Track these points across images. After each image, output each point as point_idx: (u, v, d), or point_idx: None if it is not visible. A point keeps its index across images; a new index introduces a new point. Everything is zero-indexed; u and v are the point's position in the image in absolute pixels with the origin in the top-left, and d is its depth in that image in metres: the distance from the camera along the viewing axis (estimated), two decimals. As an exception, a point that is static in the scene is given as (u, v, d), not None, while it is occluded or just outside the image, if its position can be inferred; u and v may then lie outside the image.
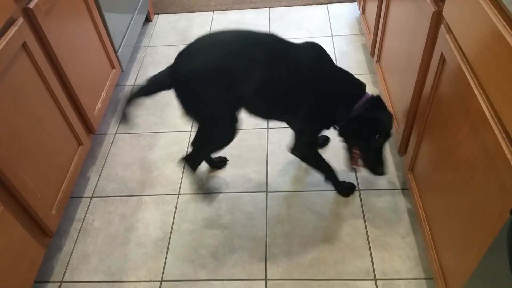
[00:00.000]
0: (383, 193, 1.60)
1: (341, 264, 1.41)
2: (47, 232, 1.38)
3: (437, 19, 1.14)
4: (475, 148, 0.92)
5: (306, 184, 1.66)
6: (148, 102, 2.07)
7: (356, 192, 1.61)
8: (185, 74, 1.23)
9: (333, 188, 1.61)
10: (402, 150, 1.51)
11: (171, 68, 1.28)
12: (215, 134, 1.40)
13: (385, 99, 1.70)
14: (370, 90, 2.02)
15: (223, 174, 1.72)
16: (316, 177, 1.67)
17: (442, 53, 1.08)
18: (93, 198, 1.69)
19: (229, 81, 1.22)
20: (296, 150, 1.48)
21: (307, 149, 1.49)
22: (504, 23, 0.80)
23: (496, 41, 0.81)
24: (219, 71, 1.21)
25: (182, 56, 1.26)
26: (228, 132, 1.38)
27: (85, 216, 1.63)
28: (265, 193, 1.64)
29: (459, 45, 0.99)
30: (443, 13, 1.08)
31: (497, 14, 0.82)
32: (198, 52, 1.24)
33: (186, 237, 1.53)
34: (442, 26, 1.09)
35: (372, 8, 1.94)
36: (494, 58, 0.82)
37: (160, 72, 1.29)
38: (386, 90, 1.71)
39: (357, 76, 1.42)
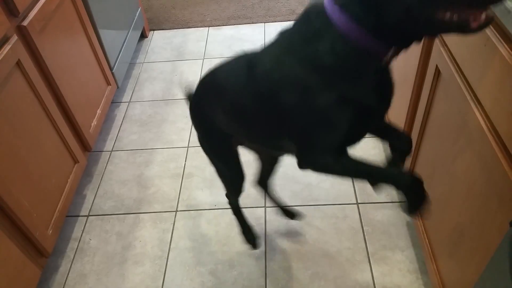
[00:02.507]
0: (382, 206, 1.59)
1: (341, 279, 1.39)
2: (43, 252, 1.36)
3: (431, 32, 1.14)
4: (473, 161, 0.92)
5: (304, 198, 1.65)
6: (145, 119, 2.07)
7: (355, 206, 1.60)
8: None
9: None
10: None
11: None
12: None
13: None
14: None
15: (221, 190, 1.71)
16: (315, 191, 1.66)
17: (437, 65, 1.09)
18: (89, 217, 1.67)
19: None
20: (308, 163, 0.90)
21: (330, 159, 0.87)
22: (498, 35, 0.80)
23: (490, 53, 0.81)
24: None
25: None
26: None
27: (81, 235, 1.61)
28: (263, 208, 1.63)
29: (453, 57, 1.00)
30: (437, 26, 1.09)
31: (491, 26, 0.82)
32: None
33: (185, 254, 1.51)
34: (436, 39, 1.09)
35: (366, 21, 1.95)
36: (489, 70, 0.82)
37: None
38: (382, 103, 1.72)
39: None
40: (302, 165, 0.90)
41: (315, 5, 0.80)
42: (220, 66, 1.03)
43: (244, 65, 0.93)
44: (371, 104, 0.83)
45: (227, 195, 1.41)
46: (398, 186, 0.86)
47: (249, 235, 1.48)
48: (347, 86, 0.79)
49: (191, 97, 1.19)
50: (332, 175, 0.89)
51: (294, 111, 0.84)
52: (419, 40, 0.78)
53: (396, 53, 0.79)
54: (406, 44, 0.78)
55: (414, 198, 0.87)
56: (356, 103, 0.81)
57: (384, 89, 0.87)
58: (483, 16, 0.67)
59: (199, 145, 1.21)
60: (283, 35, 0.86)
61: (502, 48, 0.78)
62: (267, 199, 1.65)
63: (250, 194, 1.68)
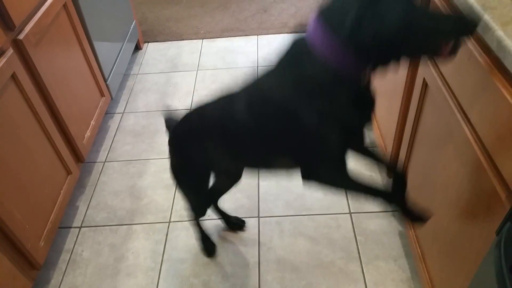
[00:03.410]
0: (374, 215, 1.60)
1: (334, 290, 1.39)
2: (34, 264, 1.35)
3: (419, 45, 1.17)
4: (460, 171, 0.94)
5: (298, 208, 1.66)
6: (138, 129, 2.08)
7: (348, 215, 1.61)
8: None
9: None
10: (390, 172, 1.52)
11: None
12: None
13: (372, 123, 1.73)
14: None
15: (214, 201, 1.72)
16: (308, 201, 1.67)
17: (424, 78, 1.11)
18: (82, 228, 1.67)
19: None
20: (314, 177, 0.95)
21: (336, 174, 0.95)
22: (480, 49, 0.82)
23: (474, 67, 0.83)
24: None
25: None
26: None
27: (73, 247, 1.61)
28: (257, 218, 1.64)
29: (440, 71, 1.02)
30: (424, 39, 1.11)
31: (473, 41, 0.85)
32: None
33: (178, 266, 1.51)
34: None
35: (357, 34, 1.98)
36: (473, 83, 0.84)
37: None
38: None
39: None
40: (308, 178, 0.95)
41: (297, 37, 0.87)
42: (206, 104, 1.09)
43: (233, 98, 0.99)
44: (351, 120, 0.88)
45: (190, 212, 1.43)
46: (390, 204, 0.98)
47: (206, 243, 1.54)
48: (328, 105, 0.85)
49: (171, 127, 1.25)
50: (333, 188, 0.96)
51: (291, 133, 0.90)
52: (397, 60, 0.82)
53: (373, 71, 0.84)
54: (382, 63, 0.83)
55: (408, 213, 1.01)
56: (338, 120, 0.86)
57: (363, 105, 0.91)
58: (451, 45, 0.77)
59: (171, 172, 1.27)
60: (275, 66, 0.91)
61: (485, 62, 0.80)
62: (214, 209, 1.57)
63: (243, 204, 1.69)
